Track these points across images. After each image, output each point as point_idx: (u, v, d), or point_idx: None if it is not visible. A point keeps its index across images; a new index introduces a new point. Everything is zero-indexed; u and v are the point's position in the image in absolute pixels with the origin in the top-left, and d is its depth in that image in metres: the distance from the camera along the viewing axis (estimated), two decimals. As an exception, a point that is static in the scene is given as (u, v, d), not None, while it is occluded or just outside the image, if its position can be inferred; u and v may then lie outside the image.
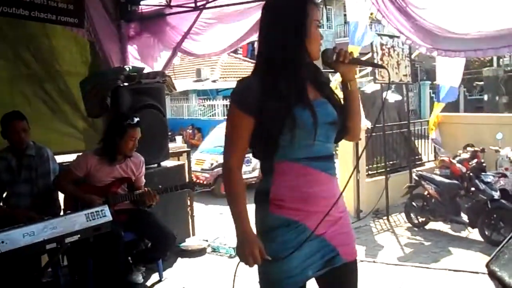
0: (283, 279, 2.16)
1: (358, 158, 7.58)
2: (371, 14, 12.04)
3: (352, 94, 2.32)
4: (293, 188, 2.16)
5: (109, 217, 3.50)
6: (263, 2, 2.35)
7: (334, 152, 2.31)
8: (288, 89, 2.13)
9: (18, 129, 4.44)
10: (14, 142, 4.50)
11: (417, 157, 9.84)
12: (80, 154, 4.83)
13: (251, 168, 11.09)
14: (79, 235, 3.34)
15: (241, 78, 2.29)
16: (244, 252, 2.13)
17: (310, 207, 2.16)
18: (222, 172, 2.28)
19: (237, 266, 2.22)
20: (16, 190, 4.53)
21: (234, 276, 2.30)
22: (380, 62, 7.37)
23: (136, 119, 4.61)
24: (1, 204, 4.58)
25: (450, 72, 9.02)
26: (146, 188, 4.63)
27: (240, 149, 2.22)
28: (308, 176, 2.18)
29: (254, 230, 2.21)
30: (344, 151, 7.83)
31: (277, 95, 2.13)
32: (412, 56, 8.71)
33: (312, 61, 2.27)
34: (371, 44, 7.26)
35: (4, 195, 4.58)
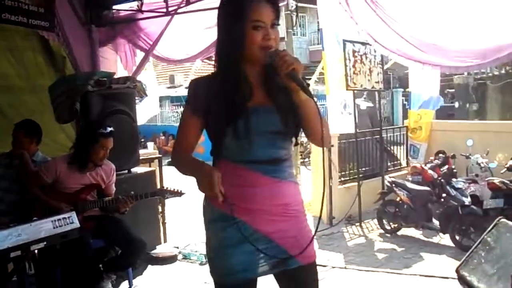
0: (225, 275, 2.21)
1: (329, 164, 7.58)
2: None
3: (300, 105, 2.11)
4: (232, 185, 2.15)
5: (76, 224, 3.44)
6: None
7: (284, 157, 2.24)
8: (229, 96, 2.14)
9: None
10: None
11: (397, 161, 9.97)
12: (50, 159, 4.74)
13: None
14: (45, 242, 3.27)
15: (193, 78, 2.33)
16: (203, 183, 2.06)
17: (249, 205, 2.17)
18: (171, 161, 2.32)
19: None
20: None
21: None
22: (352, 69, 7.41)
23: (109, 129, 4.50)
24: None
25: (424, 80, 9.14)
26: (119, 196, 4.53)
27: (184, 144, 2.28)
28: (247, 177, 2.19)
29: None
30: (316, 157, 7.93)
31: (220, 100, 2.14)
32: (386, 66, 8.79)
33: (266, 64, 2.14)
34: (344, 51, 7.31)
35: None
